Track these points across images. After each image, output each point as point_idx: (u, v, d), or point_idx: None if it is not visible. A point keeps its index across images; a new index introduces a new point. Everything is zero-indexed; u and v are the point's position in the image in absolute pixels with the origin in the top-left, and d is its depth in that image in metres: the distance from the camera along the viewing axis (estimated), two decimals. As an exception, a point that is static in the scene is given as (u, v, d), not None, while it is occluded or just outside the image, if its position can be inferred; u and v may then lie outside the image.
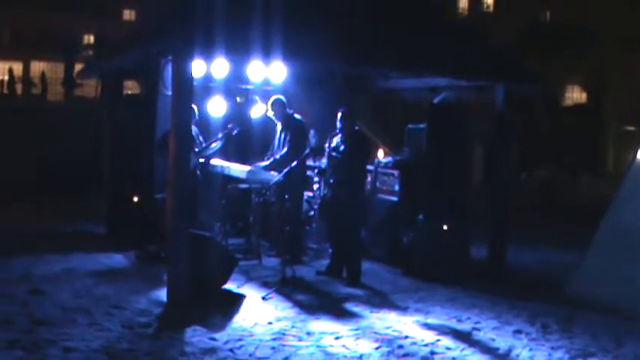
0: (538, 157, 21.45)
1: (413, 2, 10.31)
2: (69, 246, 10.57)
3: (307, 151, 9.51)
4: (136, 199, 10.73)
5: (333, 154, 9.22)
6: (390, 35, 9.45)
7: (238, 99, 11.59)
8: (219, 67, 9.65)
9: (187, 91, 8.10)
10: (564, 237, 12.43)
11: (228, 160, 10.42)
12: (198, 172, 10.34)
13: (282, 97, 10.15)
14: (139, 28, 10.16)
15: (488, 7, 27.54)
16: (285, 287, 8.71)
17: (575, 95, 26.28)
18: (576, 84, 26.19)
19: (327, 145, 9.32)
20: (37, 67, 32.57)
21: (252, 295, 8.43)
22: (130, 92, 12.83)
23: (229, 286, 8.61)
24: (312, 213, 10.64)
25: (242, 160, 10.53)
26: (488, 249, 10.10)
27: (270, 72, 9.92)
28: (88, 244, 10.82)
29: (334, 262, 9.55)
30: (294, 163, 9.20)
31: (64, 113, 17.75)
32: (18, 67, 31.37)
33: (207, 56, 9.25)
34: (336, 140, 9.26)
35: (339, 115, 9.25)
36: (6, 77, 29.76)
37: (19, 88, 29.78)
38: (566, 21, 24.73)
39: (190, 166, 10.14)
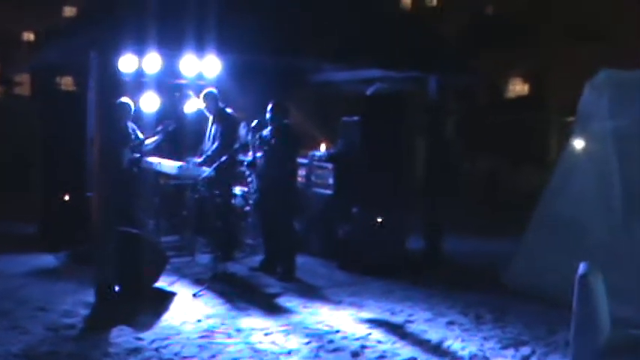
0: (481, 147, 21.59)
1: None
2: (-3, 247, 10.30)
3: (237, 145, 9.38)
4: (67, 197, 10.48)
5: (262, 149, 9.10)
6: (323, 27, 9.35)
7: (177, 94, 11.35)
8: (152, 61, 9.43)
9: (112, 86, 7.91)
10: (504, 227, 12.46)
11: (162, 156, 10.23)
12: (134, 169, 10.16)
13: (215, 91, 9.99)
14: (69, 22, 9.85)
15: (431, 1, 27.67)
16: (217, 284, 8.56)
17: (518, 87, 26.51)
18: (519, 76, 26.41)
19: (254, 138, 9.20)
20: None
21: (183, 293, 8.29)
22: (62, 88, 12.47)
23: (160, 283, 8.45)
24: (247, 208, 10.50)
25: (176, 156, 10.36)
26: (424, 240, 10.07)
27: (203, 66, 9.74)
28: (17, 244, 10.55)
29: (268, 258, 9.45)
30: (224, 157, 9.06)
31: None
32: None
33: (139, 51, 9.05)
34: (264, 133, 9.15)
35: (269, 108, 9.14)
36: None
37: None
38: (510, 14, 24.90)
39: (125, 162, 9.99)
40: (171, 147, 10.89)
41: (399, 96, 9.89)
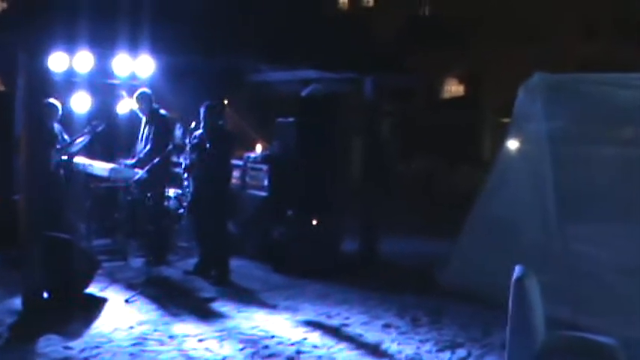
0: (417, 148, 21.71)
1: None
2: None
3: (170, 147, 9.20)
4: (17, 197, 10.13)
5: (196, 151, 8.95)
6: (259, 27, 9.24)
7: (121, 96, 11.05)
8: (83, 60, 9.19)
9: (40, 86, 7.66)
10: (440, 227, 12.49)
11: (94, 157, 9.99)
12: (61, 171, 9.88)
13: (148, 91, 9.79)
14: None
15: (368, 1, 27.76)
16: (150, 289, 8.38)
17: (454, 88, 26.81)
18: (455, 77, 26.71)
19: (188, 140, 9.05)
20: None
21: (115, 299, 8.07)
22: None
23: (91, 289, 8.22)
24: (181, 210, 10.32)
25: (108, 158, 10.13)
26: (360, 242, 10.04)
27: (136, 66, 9.54)
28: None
29: (202, 261, 9.29)
30: (157, 159, 8.88)
31: None
32: None
33: (70, 49, 8.81)
34: (197, 134, 9.01)
35: (202, 109, 8.99)
36: None
37: None
38: (446, 16, 25.17)
39: (52, 164, 9.70)
40: (102, 148, 10.63)
41: (334, 97, 9.86)
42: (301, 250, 9.47)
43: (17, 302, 7.55)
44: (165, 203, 10.22)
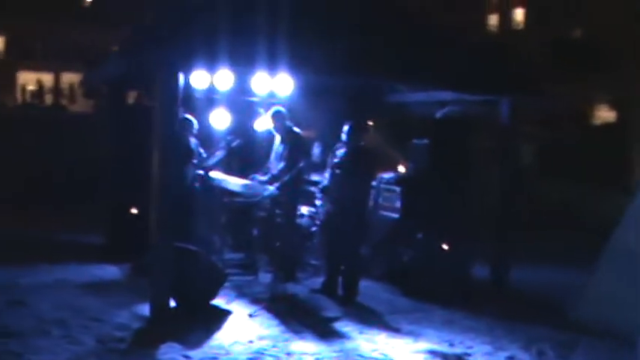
0: (561, 173, 20.87)
1: (422, 17, 9.98)
2: (64, 256, 10.43)
3: (301, 164, 9.24)
4: (134, 210, 10.56)
5: (337, 170, 8.95)
6: (399, 48, 9.17)
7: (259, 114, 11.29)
8: (223, 78, 9.44)
9: (175, 101, 7.91)
10: (577, 256, 11.96)
11: (230, 172, 10.20)
12: (196, 184, 10.16)
13: (282, 109, 9.90)
14: (136, 35, 9.96)
15: (517, 24, 27.21)
16: (275, 304, 8.42)
17: (604, 114, 25.79)
18: (605, 102, 25.68)
19: (329, 159, 9.06)
20: (68, 78, 32.84)
21: (239, 312, 8.16)
22: (131, 102, 12.65)
23: (218, 301, 8.36)
24: (314, 229, 10.35)
25: (244, 174, 10.31)
26: (490, 269, 9.70)
27: (275, 84, 9.68)
28: (84, 254, 10.65)
29: (330, 280, 9.23)
30: (287, 177, 8.95)
31: (81, 124, 17.71)
32: (49, 79, 31.75)
33: (211, 67, 9.06)
34: (339, 154, 9.00)
35: (346, 128, 8.98)
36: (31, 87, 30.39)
37: (48, 98, 30.12)
38: (596, 38, 24.27)
39: (188, 177, 10.00)
40: (238, 164, 10.86)
41: (469, 119, 9.62)
42: (430, 274, 9.25)
43: (145, 309, 7.79)
44: (298, 221, 10.31)
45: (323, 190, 9.47)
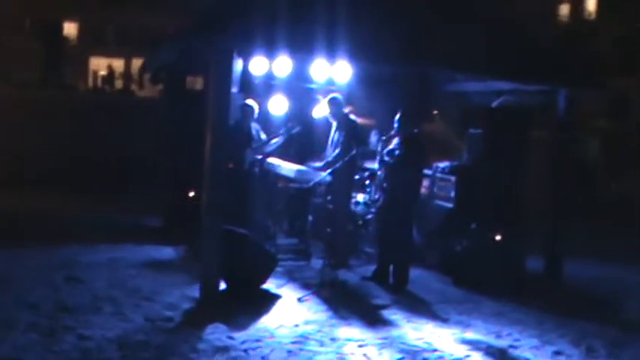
0: (627, 168, 20.32)
1: (480, 6, 9.84)
2: (123, 237, 10.71)
3: (354, 151, 9.25)
4: (191, 194, 10.73)
5: (386, 158, 8.94)
6: (457, 36, 9.08)
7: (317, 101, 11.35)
8: (282, 65, 9.50)
9: (228, 86, 7.98)
10: (637, 252, 11.70)
11: (288, 159, 10.28)
12: (255, 169, 10.27)
13: (339, 96, 9.93)
14: (192, 21, 10.05)
15: (590, 14, 26.56)
16: (325, 290, 8.48)
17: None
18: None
19: (380, 147, 9.04)
20: (138, 64, 33.28)
21: (289, 296, 8.24)
22: (189, 87, 12.81)
23: (268, 285, 8.45)
24: (369, 216, 10.35)
25: (301, 160, 10.37)
26: (544, 262, 9.55)
27: (334, 71, 9.69)
28: (142, 236, 10.90)
29: (381, 268, 9.24)
30: (339, 163, 8.97)
31: (146, 109, 18.01)
32: (120, 64, 32.40)
33: (270, 53, 9.14)
34: (394, 142, 8.99)
35: (397, 117, 8.96)
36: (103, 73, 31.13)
37: (119, 84, 30.74)
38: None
39: (246, 162, 10.11)
40: (296, 151, 10.94)
41: (525, 110, 9.46)
42: (482, 265, 9.17)
43: (196, 290, 7.92)
44: (353, 208, 10.34)
45: (368, 177, 9.47)
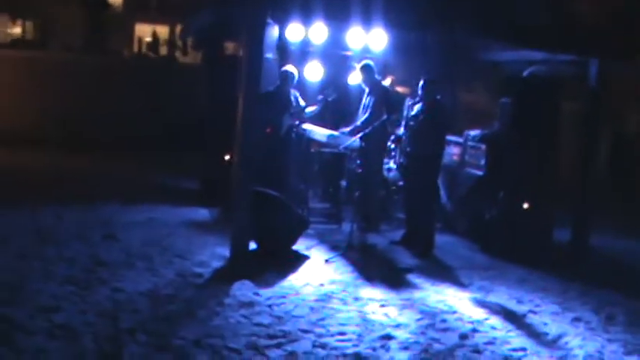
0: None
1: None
2: (161, 198, 11.04)
3: (385, 117, 9.38)
4: (227, 157, 10.96)
5: (411, 122, 9.07)
6: (492, 5, 9.12)
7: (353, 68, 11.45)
8: (318, 32, 9.63)
9: (258, 52, 8.14)
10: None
11: (325, 125, 10.46)
12: (292, 135, 10.45)
13: (371, 63, 10.04)
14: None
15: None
16: (353, 252, 8.69)
17: None
18: None
19: (405, 112, 9.16)
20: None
21: (317, 257, 8.46)
22: (227, 53, 12.99)
23: (298, 246, 8.68)
24: (401, 183, 10.48)
25: (337, 126, 10.52)
26: (572, 232, 9.61)
27: (369, 39, 9.80)
28: (179, 198, 11.21)
29: (408, 233, 9.42)
30: (368, 128, 9.12)
31: (188, 75, 18.24)
32: (164, 30, 32.63)
33: (306, 21, 9.27)
34: (416, 108, 9.12)
35: (421, 83, 9.06)
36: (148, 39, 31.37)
37: (163, 50, 30.94)
38: None
39: (284, 127, 10.30)
40: (332, 117, 11.10)
41: (555, 80, 9.46)
42: (509, 232, 9.29)
43: (227, 250, 8.15)
44: (385, 174, 10.50)
45: (393, 141, 9.59)
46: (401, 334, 6.24)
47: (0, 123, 15.58)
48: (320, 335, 6.04)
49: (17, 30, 30.95)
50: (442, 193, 10.38)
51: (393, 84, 11.54)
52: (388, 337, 6.15)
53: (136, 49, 32.44)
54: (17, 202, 9.84)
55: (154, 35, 32.07)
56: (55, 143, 15.37)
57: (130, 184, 12.34)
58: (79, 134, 16.13)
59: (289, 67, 10.40)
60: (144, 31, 33.35)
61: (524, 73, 9.68)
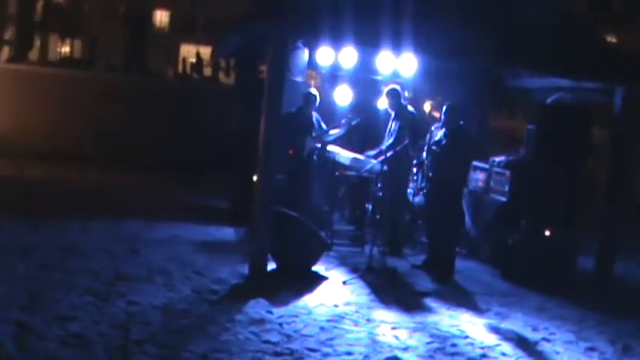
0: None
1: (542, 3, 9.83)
2: (189, 216, 11.23)
3: (406, 141, 9.46)
4: (255, 178, 11.12)
5: (434, 147, 9.14)
6: (521, 33, 9.14)
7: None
8: (348, 56, 9.75)
9: (281, 74, 8.29)
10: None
11: (351, 148, 10.56)
12: (314, 157, 10.57)
13: (398, 88, 10.14)
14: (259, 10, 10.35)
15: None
16: (372, 275, 8.73)
17: None
18: None
19: (428, 138, 9.23)
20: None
21: (336, 279, 8.52)
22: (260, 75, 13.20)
23: (317, 268, 8.75)
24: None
25: (364, 149, 10.62)
26: (595, 260, 9.53)
27: (399, 64, 9.89)
28: (207, 216, 11.40)
29: (430, 257, 9.44)
30: (390, 152, 9.20)
31: (226, 96, 18.49)
32: (207, 51, 33.21)
33: (336, 45, 9.40)
34: (439, 134, 9.19)
35: (444, 108, 9.13)
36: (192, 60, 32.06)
37: (207, 71, 31.51)
38: None
39: (306, 150, 10.43)
40: (358, 141, 11.21)
41: (579, 107, 9.45)
42: (531, 260, 9.25)
43: (246, 269, 8.28)
44: (409, 198, 10.56)
45: (415, 166, 9.64)
46: (408, 357, 6.28)
47: (45, 140, 16.02)
48: (326, 355, 6.11)
49: (66, 49, 31.84)
50: (467, 218, 10.39)
51: (432, 109, 11.65)
52: (395, 358, 6.20)
53: (180, 69, 33.04)
54: (48, 216, 10.12)
55: (198, 56, 32.67)
56: (95, 161, 15.70)
57: (160, 201, 12.57)
58: (119, 153, 16.45)
59: (312, 90, 10.55)
60: (189, 51, 34.03)
61: (548, 101, 9.69)
